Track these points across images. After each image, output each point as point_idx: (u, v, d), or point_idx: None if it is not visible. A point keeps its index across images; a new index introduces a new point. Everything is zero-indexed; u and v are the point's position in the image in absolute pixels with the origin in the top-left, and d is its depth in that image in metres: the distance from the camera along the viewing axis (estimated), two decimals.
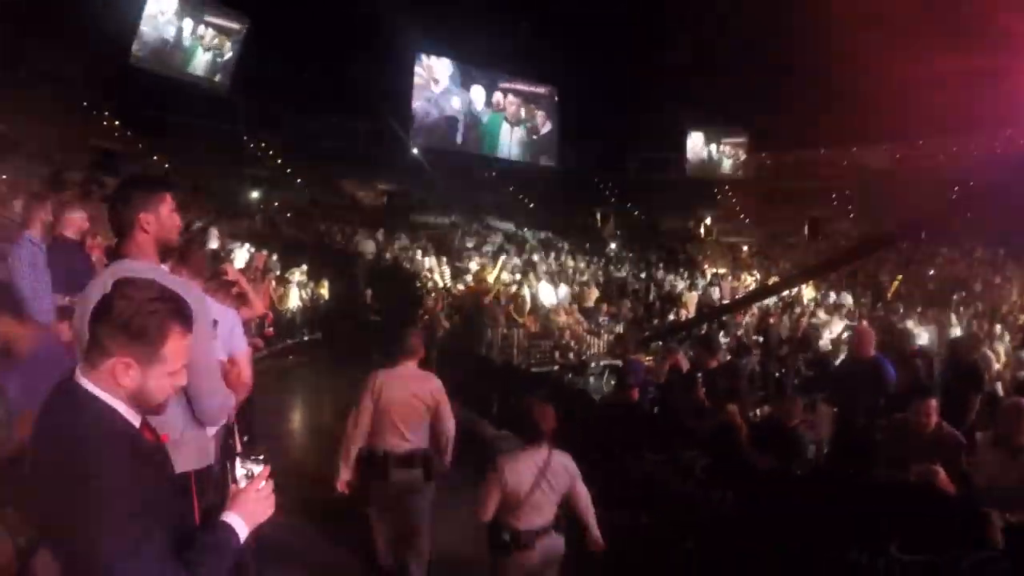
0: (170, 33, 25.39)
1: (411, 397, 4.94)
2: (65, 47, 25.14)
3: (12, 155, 18.95)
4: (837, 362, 9.87)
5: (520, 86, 32.44)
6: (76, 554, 1.67)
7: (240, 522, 1.91)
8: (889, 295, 18.54)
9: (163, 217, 2.87)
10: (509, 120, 32.22)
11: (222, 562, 1.84)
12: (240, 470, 2.04)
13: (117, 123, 27.01)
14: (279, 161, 29.88)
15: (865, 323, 11.02)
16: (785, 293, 16.80)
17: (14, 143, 20.64)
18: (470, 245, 23.17)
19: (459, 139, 31.41)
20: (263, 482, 2.01)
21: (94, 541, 1.63)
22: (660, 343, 11.92)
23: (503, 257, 18.77)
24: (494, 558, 4.27)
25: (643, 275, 21.22)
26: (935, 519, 4.32)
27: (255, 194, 28.28)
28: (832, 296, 17.90)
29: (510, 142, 32.58)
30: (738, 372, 8.55)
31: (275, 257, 16.64)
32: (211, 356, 2.93)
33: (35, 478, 1.76)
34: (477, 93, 31.73)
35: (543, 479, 4.17)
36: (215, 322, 3.22)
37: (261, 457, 2.07)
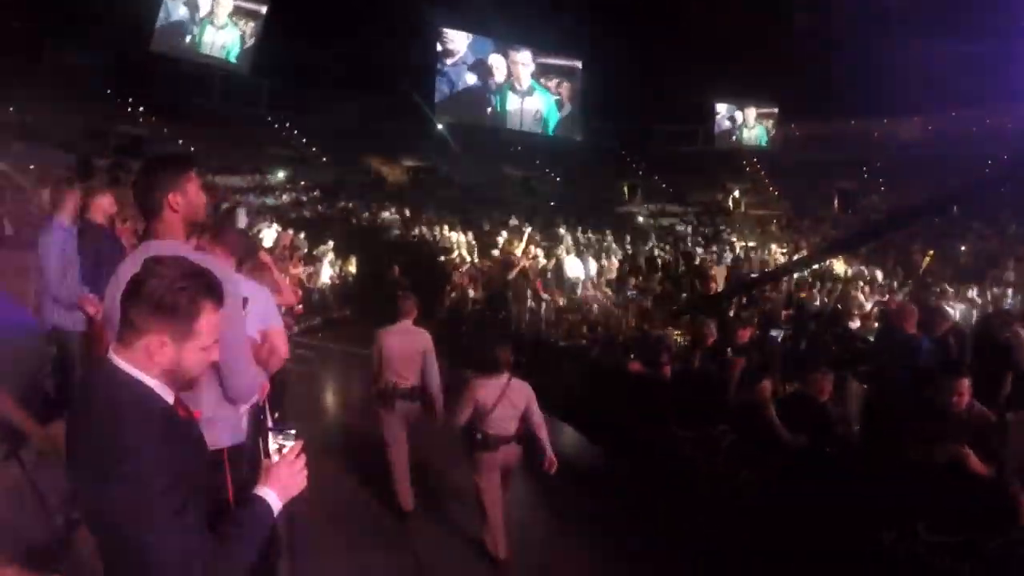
0: (189, 17, 25.28)
1: (407, 347, 6.32)
2: (86, 37, 25.39)
3: (39, 145, 19.18)
4: (867, 338, 9.79)
5: (545, 59, 32.15)
6: (113, 530, 1.71)
7: (274, 496, 1.94)
8: (920, 270, 18.24)
9: (190, 196, 2.89)
10: (530, 92, 31.94)
11: (256, 535, 1.87)
12: (273, 444, 2.07)
13: (142, 109, 27.26)
14: (304, 140, 29.99)
15: (904, 299, 10.85)
16: (815, 267, 16.60)
17: (40, 133, 20.89)
18: (496, 219, 23.11)
19: (483, 113, 31.23)
20: (296, 456, 2.03)
21: (130, 517, 1.67)
22: (689, 317, 11.84)
23: (528, 230, 18.72)
24: (470, 455, 5.53)
25: (671, 248, 21.08)
26: (965, 500, 4.26)
27: (281, 174, 28.42)
28: (863, 270, 17.68)
29: (533, 116, 32.34)
30: (769, 347, 8.52)
31: (302, 235, 16.73)
32: (242, 335, 2.96)
33: (71, 457, 1.78)
34: (500, 67, 31.49)
35: (504, 398, 5.42)
36: (245, 300, 3.23)
37: (293, 432, 2.08)
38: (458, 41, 30.46)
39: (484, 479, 5.42)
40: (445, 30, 29.89)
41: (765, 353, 8.09)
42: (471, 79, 30.87)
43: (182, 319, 1.81)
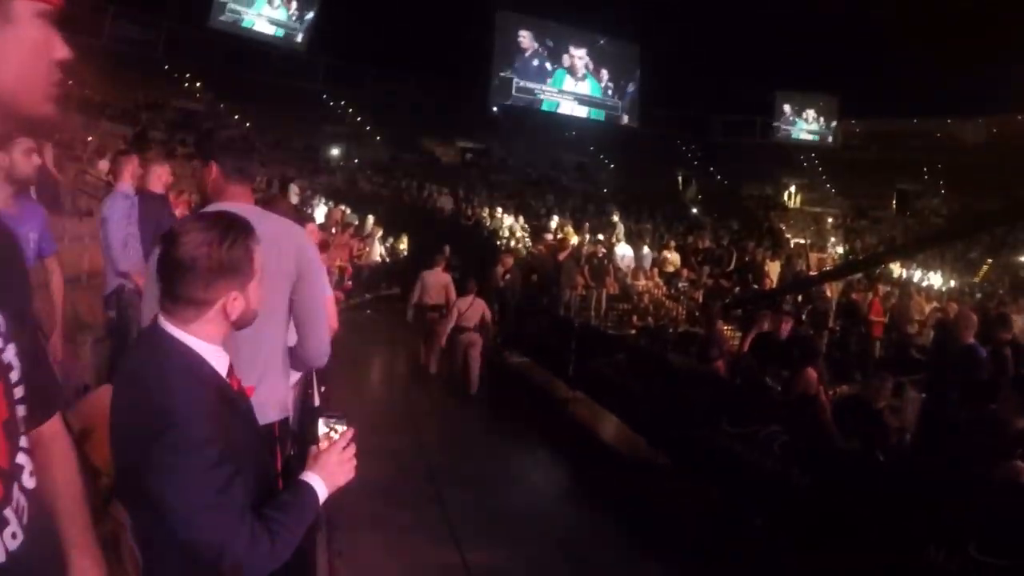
0: None
1: (436, 281, 10.45)
2: (146, 12, 25.83)
3: (97, 118, 19.58)
4: (923, 345, 9.56)
5: (604, 45, 31.88)
6: (152, 504, 1.65)
7: (321, 483, 1.87)
8: (978, 278, 17.79)
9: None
10: (584, 78, 31.72)
11: (301, 522, 1.81)
12: (322, 428, 1.97)
13: (199, 84, 27.67)
14: (359, 119, 30.16)
15: (963, 308, 10.58)
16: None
17: (99, 107, 21.31)
18: (549, 204, 23.04)
19: (539, 97, 31.12)
20: (346, 445, 1.95)
21: (171, 491, 1.62)
22: (741, 312, 11.69)
23: (578, 217, 18.64)
24: (452, 336, 9.70)
25: (724, 242, 20.79)
26: (1020, 521, 4.11)
27: (335, 151, 28.64)
28: (919, 275, 17.26)
29: (588, 101, 32.13)
30: (812, 343, 8.42)
31: (348, 211, 16.87)
32: (320, 292, 2.98)
33: (115, 424, 1.74)
34: (559, 51, 31.32)
35: (471, 307, 9.71)
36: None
37: (344, 418, 1.99)
38: (516, 25, 30.35)
39: (459, 349, 9.64)
40: (503, 13, 29.73)
41: (805, 348, 7.93)
42: (529, 63, 30.75)
43: (246, 268, 1.80)
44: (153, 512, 1.66)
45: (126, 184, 5.46)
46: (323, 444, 1.96)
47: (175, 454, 1.61)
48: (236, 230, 1.80)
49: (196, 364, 1.76)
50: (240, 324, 1.87)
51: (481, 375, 9.64)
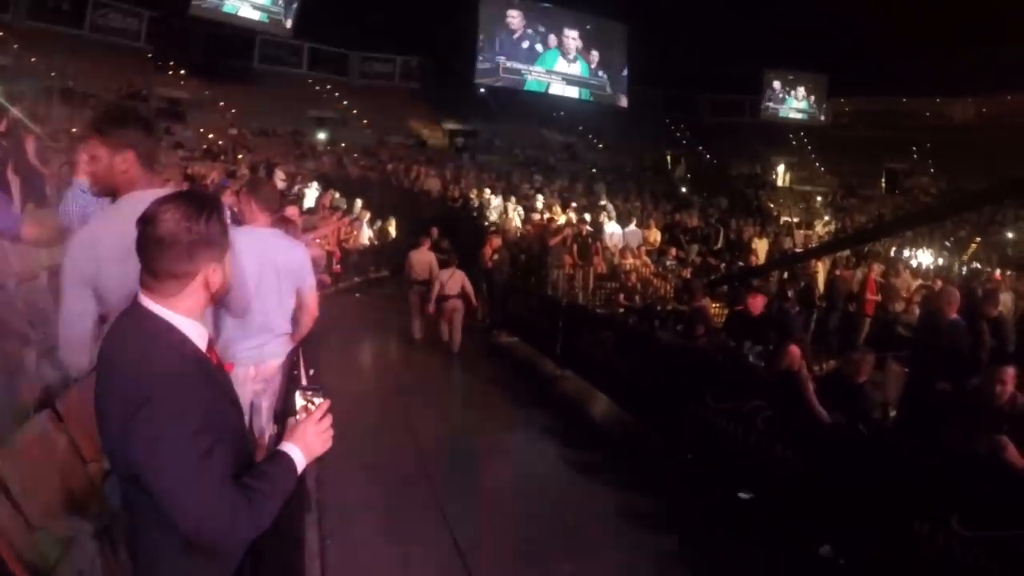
0: None
1: (422, 259, 11.21)
2: (126, 2, 25.55)
3: (80, 109, 19.39)
4: (909, 322, 9.62)
5: (591, 24, 31.73)
6: (138, 475, 1.69)
7: (299, 453, 1.93)
8: (966, 255, 17.88)
9: None
10: (574, 59, 31.60)
11: (280, 491, 1.86)
12: (300, 401, 2.03)
13: (183, 72, 27.45)
14: (345, 103, 30.01)
15: (947, 284, 10.66)
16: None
17: (82, 97, 21.11)
18: (537, 184, 22.97)
19: (526, 77, 30.99)
20: (322, 416, 2.01)
21: (155, 461, 1.66)
22: (726, 288, 11.74)
23: (565, 197, 18.58)
24: (438, 305, 10.38)
25: (712, 220, 20.82)
26: (1001, 494, 4.13)
27: (321, 135, 28.49)
28: (908, 253, 17.32)
29: (577, 81, 32.03)
30: (791, 319, 8.46)
31: (337, 195, 16.79)
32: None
33: (100, 401, 1.78)
34: (545, 30, 31.17)
35: (452, 277, 10.44)
36: None
37: (320, 390, 2.06)
38: (502, 5, 30.16)
39: (444, 316, 10.48)
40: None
41: (785, 324, 7.97)
42: (515, 43, 30.61)
43: (225, 240, 1.88)
44: (139, 481, 1.69)
45: (82, 176, 4.34)
46: (300, 416, 2.02)
47: (156, 423, 1.66)
48: (208, 204, 1.86)
49: (176, 339, 1.81)
50: (217, 297, 1.93)
51: (462, 342, 10.64)
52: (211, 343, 1.96)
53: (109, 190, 2.80)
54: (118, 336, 1.84)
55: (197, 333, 1.87)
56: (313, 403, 2.03)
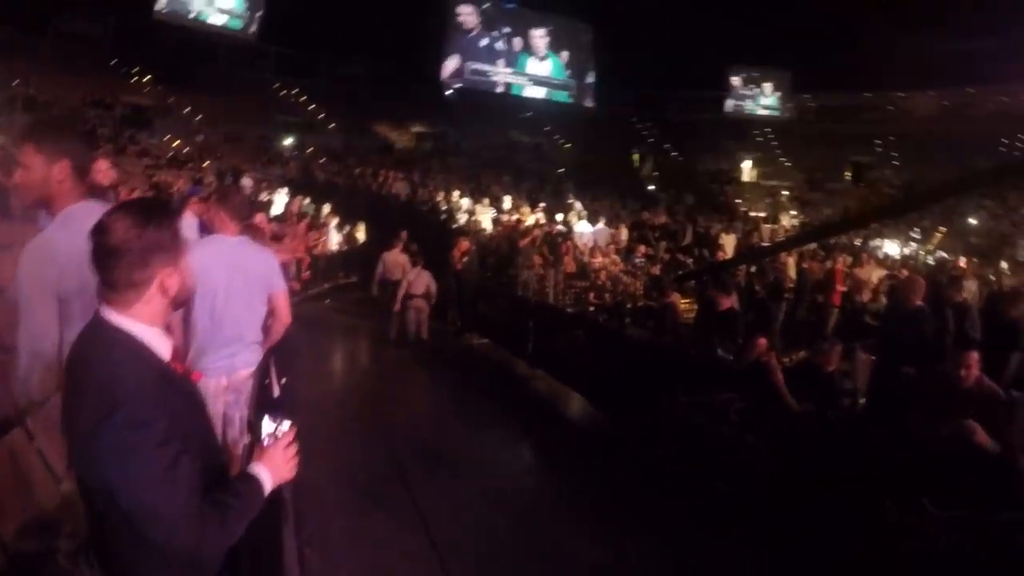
0: None
1: (395, 260, 11.67)
2: (90, 6, 25.16)
3: (42, 117, 19.07)
4: (876, 311, 9.73)
5: (556, 25, 31.82)
6: (103, 486, 1.69)
7: (267, 476, 1.96)
8: (931, 245, 18.16)
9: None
10: (544, 59, 31.66)
11: (249, 510, 1.88)
12: (268, 427, 2.06)
13: (148, 78, 27.11)
14: (311, 107, 29.84)
15: (912, 273, 10.80)
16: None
17: (45, 105, 20.78)
18: (504, 185, 22.98)
19: (493, 79, 31.01)
20: (288, 444, 2.05)
21: (120, 471, 1.65)
22: (695, 283, 11.81)
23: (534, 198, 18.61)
24: (402, 305, 10.83)
25: (679, 217, 20.94)
26: (970, 475, 4.21)
27: (288, 141, 28.29)
28: (874, 243, 17.54)
29: (544, 82, 32.10)
30: (763, 312, 8.53)
31: (307, 201, 16.68)
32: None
33: (67, 415, 1.77)
34: (512, 31, 31.20)
35: (418, 277, 10.92)
36: None
37: (288, 422, 2.09)
38: (467, 7, 30.14)
39: (409, 312, 10.83)
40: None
41: (759, 316, 8.04)
42: (481, 44, 30.61)
43: (178, 244, 1.88)
44: (104, 493, 1.69)
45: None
46: (267, 441, 2.05)
47: (121, 434, 1.65)
48: (158, 211, 1.88)
49: (139, 349, 1.81)
50: (178, 301, 1.93)
51: (429, 337, 11.23)
52: (176, 352, 1.95)
53: (41, 201, 2.67)
54: (82, 350, 1.83)
55: (160, 342, 1.87)
56: (280, 429, 2.06)
